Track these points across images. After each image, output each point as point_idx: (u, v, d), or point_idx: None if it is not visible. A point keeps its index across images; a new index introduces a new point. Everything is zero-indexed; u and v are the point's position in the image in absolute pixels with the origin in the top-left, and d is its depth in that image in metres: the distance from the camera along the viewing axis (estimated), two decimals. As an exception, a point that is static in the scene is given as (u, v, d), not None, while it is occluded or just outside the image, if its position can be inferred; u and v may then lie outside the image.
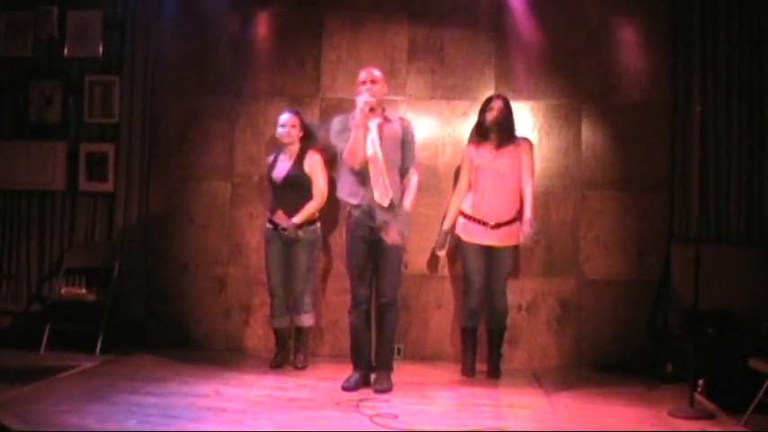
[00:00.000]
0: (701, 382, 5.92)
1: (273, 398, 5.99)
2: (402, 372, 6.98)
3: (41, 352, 7.34)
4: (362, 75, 6.43)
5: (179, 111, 8.02)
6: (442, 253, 7.46)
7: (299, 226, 7.04)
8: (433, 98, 7.76)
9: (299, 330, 7.22)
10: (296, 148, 7.21)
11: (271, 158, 7.33)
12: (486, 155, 7.05)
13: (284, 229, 7.08)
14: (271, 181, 7.21)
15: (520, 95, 7.66)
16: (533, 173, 7.13)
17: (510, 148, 7.05)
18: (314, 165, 7.14)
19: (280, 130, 7.21)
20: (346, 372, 6.45)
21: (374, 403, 5.81)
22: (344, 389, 6.22)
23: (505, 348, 7.42)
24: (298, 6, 7.95)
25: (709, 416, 5.73)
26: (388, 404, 5.80)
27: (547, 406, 6.03)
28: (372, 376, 6.39)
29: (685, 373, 6.32)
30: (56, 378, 6.38)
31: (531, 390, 6.62)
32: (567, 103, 7.69)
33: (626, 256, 7.57)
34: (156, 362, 7.12)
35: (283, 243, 7.15)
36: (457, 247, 7.26)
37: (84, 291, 7.66)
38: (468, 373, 7.05)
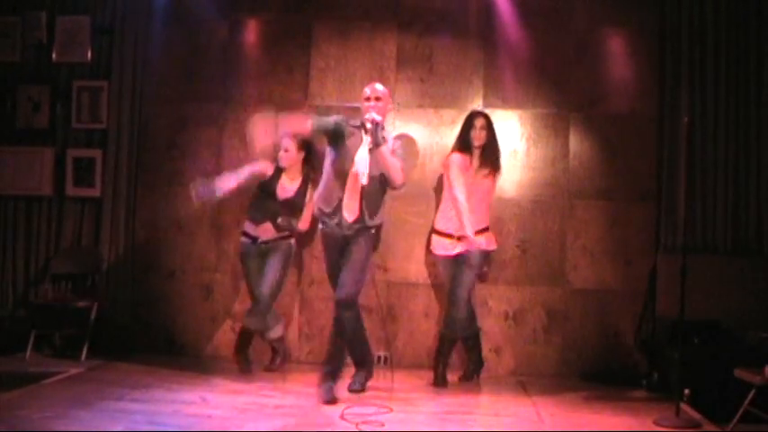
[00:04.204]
0: (686, 391, 5.93)
1: (259, 405, 5.98)
2: (388, 379, 6.99)
3: (27, 357, 7.31)
4: (367, 91, 6.37)
5: (167, 117, 8.01)
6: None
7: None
8: (421, 107, 7.77)
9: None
10: (295, 170, 7.20)
11: (272, 169, 7.20)
12: (472, 173, 7.04)
13: (265, 242, 7.12)
14: (268, 192, 7.16)
15: (508, 104, 7.71)
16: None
17: (489, 170, 7.06)
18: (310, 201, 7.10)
19: (279, 153, 7.17)
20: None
21: (360, 410, 5.80)
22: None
23: (492, 356, 7.47)
24: (286, 14, 7.96)
25: (694, 425, 5.74)
26: (375, 411, 5.79)
27: (533, 414, 6.03)
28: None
29: (671, 383, 6.33)
30: (41, 384, 6.36)
31: (517, 398, 6.62)
32: (555, 113, 7.71)
33: (613, 266, 7.60)
34: (143, 368, 7.09)
35: (260, 255, 7.17)
36: (435, 265, 7.33)
37: (70, 296, 7.62)
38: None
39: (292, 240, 7.27)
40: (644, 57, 7.65)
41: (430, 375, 7.06)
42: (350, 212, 6.19)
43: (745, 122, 7.39)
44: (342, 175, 6.21)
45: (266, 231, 7.12)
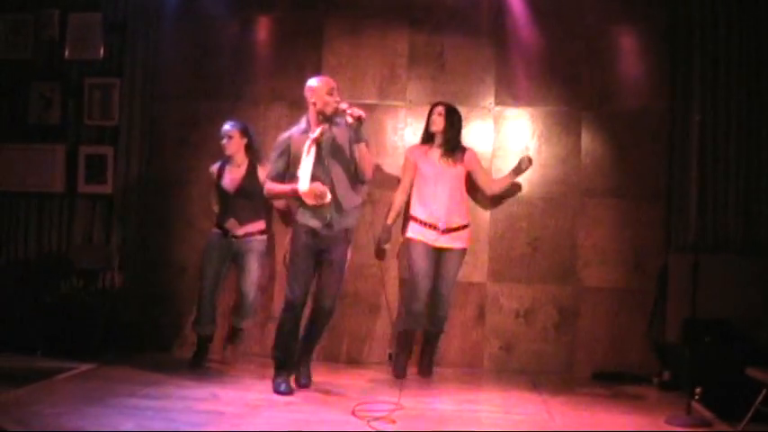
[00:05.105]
0: (698, 390, 5.92)
1: (270, 401, 5.99)
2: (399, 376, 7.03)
3: (38, 353, 7.32)
4: (332, 83, 6.28)
5: (178, 114, 8.03)
6: (387, 246, 7.39)
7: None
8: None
9: (238, 331, 7.36)
10: (241, 157, 7.21)
11: (216, 167, 7.32)
12: (435, 161, 7.12)
13: (235, 236, 7.10)
14: (221, 190, 7.23)
15: (519, 102, 7.71)
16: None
17: (457, 156, 7.14)
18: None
19: (222, 141, 7.22)
20: (342, 376, 6.46)
21: (371, 407, 5.79)
22: (283, 392, 6.20)
23: (502, 354, 7.50)
24: (298, 11, 7.96)
25: (705, 424, 5.73)
26: (386, 408, 5.78)
27: (543, 413, 6.03)
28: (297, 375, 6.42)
29: (682, 382, 6.32)
30: (53, 380, 6.37)
31: (527, 396, 6.61)
32: (566, 111, 7.70)
33: (624, 264, 7.58)
34: (154, 365, 7.10)
35: (228, 251, 7.18)
36: (406, 251, 7.27)
37: (81, 293, 7.62)
38: (401, 375, 7.04)
39: (264, 237, 7.30)
40: (655, 54, 7.63)
41: (440, 372, 7.07)
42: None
43: (758, 120, 7.35)
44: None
45: (234, 226, 7.15)
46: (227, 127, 7.22)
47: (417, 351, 7.33)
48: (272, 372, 6.36)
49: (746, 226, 7.33)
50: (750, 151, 7.35)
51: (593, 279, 7.61)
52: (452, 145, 7.17)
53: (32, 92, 8.08)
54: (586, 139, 7.68)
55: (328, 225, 6.16)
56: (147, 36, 8.01)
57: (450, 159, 7.13)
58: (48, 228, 8.07)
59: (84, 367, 6.88)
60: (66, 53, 8.07)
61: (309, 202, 6.04)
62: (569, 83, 7.71)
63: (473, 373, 7.29)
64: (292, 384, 6.31)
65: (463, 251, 7.20)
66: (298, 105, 7.69)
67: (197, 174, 7.94)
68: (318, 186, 6.00)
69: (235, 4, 8.02)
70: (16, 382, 6.11)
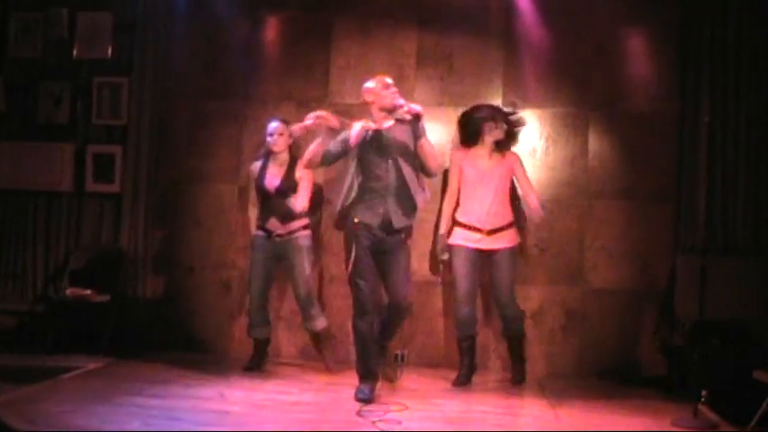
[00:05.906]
0: (704, 392, 5.91)
1: (277, 402, 6.00)
2: (406, 378, 7.01)
3: (46, 352, 7.33)
4: (385, 79, 6.35)
5: (187, 113, 8.05)
6: (445, 257, 7.21)
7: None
8: (441, 105, 7.76)
9: (317, 335, 7.24)
10: (285, 156, 7.18)
11: (257, 165, 7.25)
12: (479, 162, 7.06)
13: (279, 236, 7.08)
14: (262, 190, 7.17)
15: (528, 103, 7.69)
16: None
17: (501, 157, 7.07)
18: (303, 178, 7.08)
19: (269, 138, 7.18)
20: (350, 376, 6.44)
21: (377, 408, 5.80)
22: (361, 400, 6.02)
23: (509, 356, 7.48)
24: (307, 11, 7.97)
25: (712, 427, 5.72)
26: (392, 409, 5.78)
27: (550, 415, 6.03)
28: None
29: (689, 384, 6.30)
30: (60, 379, 6.39)
31: (534, 398, 6.62)
32: (574, 112, 7.69)
33: (631, 266, 7.56)
34: (160, 364, 7.12)
35: (273, 252, 7.14)
36: (450, 256, 7.20)
37: (89, 292, 7.61)
38: (462, 382, 6.93)
39: (308, 232, 7.24)
40: (664, 56, 7.61)
41: (448, 374, 7.05)
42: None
43: (767, 122, 7.34)
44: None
45: (276, 226, 7.12)
46: (275, 124, 7.16)
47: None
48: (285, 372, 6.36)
49: (755, 227, 7.31)
50: (759, 153, 7.33)
51: (601, 281, 7.60)
52: (505, 145, 7.14)
53: (42, 91, 8.10)
54: (594, 141, 7.67)
55: (387, 224, 6.21)
56: (156, 35, 8.02)
57: (495, 157, 7.04)
58: (56, 226, 8.09)
59: (92, 366, 6.92)
60: (76, 52, 8.09)
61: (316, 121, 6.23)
62: (578, 84, 7.70)
63: (480, 373, 7.26)
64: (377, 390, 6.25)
65: (513, 249, 7.10)
66: (306, 105, 7.76)
67: (206, 173, 7.96)
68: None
69: (244, 3, 8.03)
70: (24, 380, 6.13)
